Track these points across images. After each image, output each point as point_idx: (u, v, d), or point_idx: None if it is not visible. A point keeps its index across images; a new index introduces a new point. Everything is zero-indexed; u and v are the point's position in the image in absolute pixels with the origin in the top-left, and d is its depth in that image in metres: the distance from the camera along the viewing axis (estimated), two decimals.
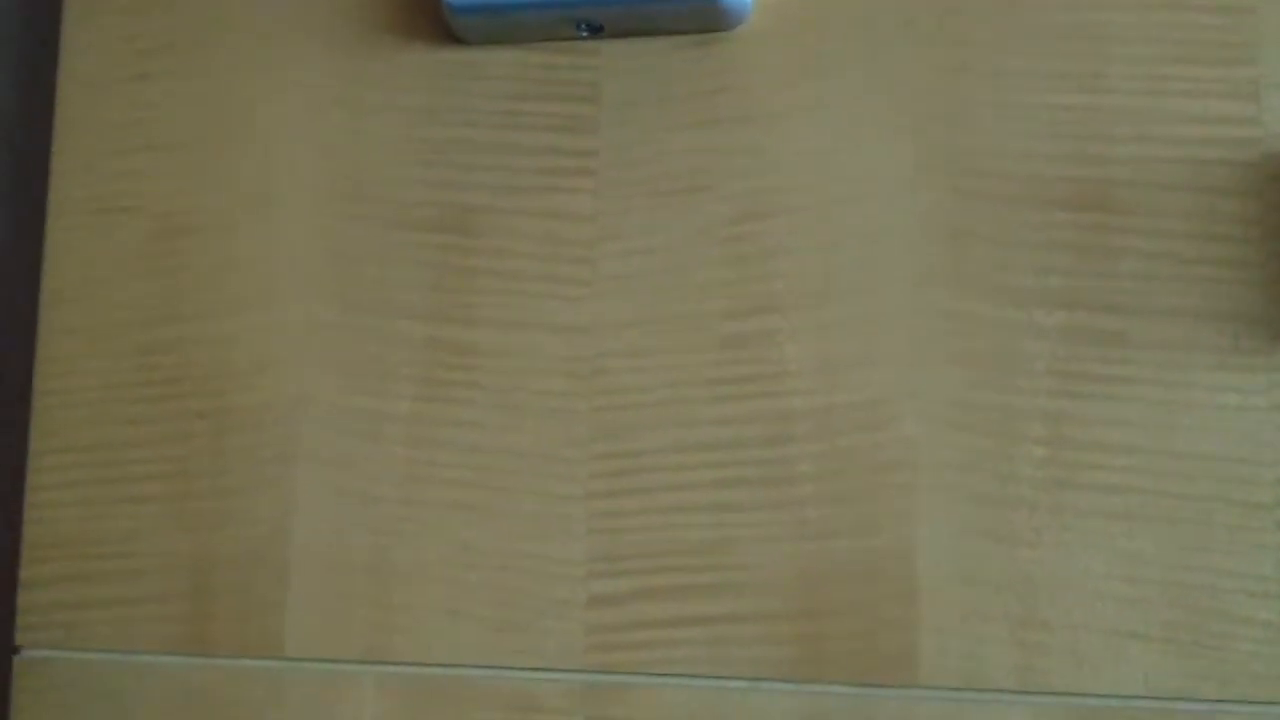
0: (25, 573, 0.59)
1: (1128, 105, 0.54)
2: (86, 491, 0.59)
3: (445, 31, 0.58)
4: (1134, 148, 0.53)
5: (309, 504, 0.57)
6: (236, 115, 0.60)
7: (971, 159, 0.54)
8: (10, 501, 0.64)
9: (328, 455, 0.57)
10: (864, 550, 0.53)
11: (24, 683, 0.58)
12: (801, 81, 0.56)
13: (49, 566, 0.59)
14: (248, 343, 0.59)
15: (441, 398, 0.57)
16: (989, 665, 0.52)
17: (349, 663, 0.56)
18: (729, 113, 0.56)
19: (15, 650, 0.59)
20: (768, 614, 0.53)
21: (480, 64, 0.59)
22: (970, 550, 0.52)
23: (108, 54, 0.62)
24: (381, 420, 0.57)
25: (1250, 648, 0.50)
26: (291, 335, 0.58)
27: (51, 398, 0.60)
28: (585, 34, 0.57)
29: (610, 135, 0.57)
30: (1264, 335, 0.52)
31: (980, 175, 0.54)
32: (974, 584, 0.52)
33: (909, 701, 0.52)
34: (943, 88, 0.55)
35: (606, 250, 0.57)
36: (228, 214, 0.60)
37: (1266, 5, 0.53)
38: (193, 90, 0.61)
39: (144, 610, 0.58)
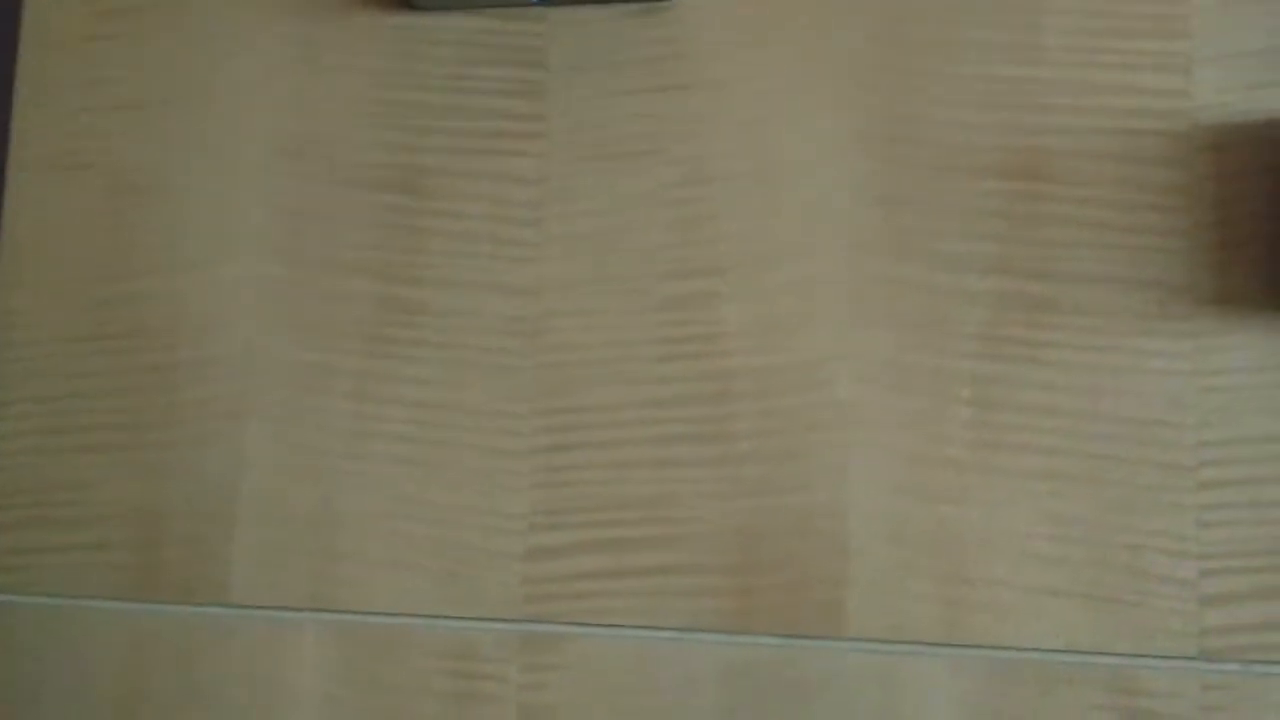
0: None
1: (1062, 77, 0.55)
2: (41, 441, 0.60)
3: None
4: (1067, 118, 0.55)
5: (257, 456, 0.58)
6: (193, 77, 0.61)
7: (907, 127, 0.56)
8: None
9: (276, 409, 0.58)
10: (797, 506, 0.54)
11: None
12: (743, 50, 0.57)
13: (4, 513, 0.60)
14: (200, 298, 0.60)
15: (389, 354, 0.58)
16: (914, 619, 0.53)
17: (293, 610, 0.57)
18: (674, 80, 0.58)
19: None
20: (702, 567, 0.55)
21: (431, 29, 0.60)
22: (899, 508, 0.54)
23: (68, 15, 0.63)
24: (329, 375, 0.58)
25: (1168, 605, 0.52)
26: (243, 291, 0.59)
27: (8, 350, 0.61)
28: (534, 1, 0.58)
29: (557, 101, 0.58)
30: (1188, 302, 0.53)
31: (916, 143, 0.55)
32: (902, 540, 0.53)
33: (836, 653, 0.53)
34: (880, 58, 0.56)
35: (552, 212, 0.58)
36: (183, 172, 0.61)
37: None
38: (151, 52, 0.62)
39: (95, 557, 0.59)
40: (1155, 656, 0.51)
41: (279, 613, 0.57)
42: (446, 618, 0.56)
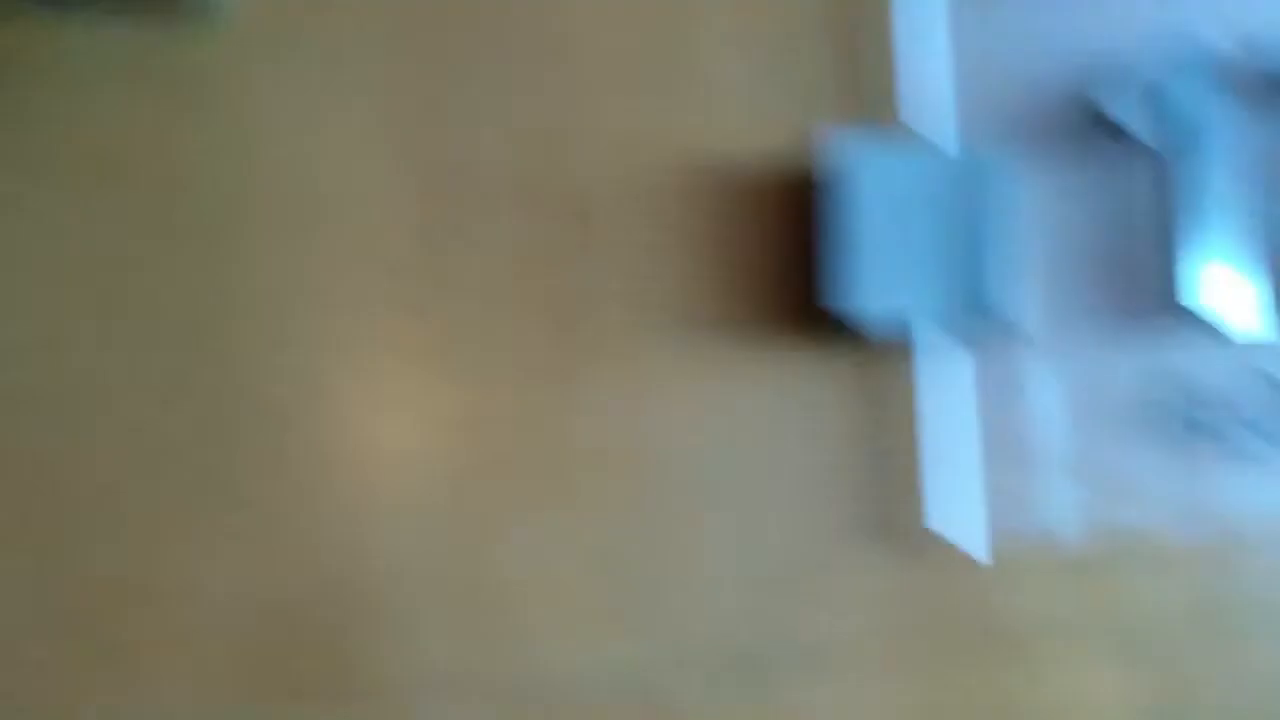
0: None
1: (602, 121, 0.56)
2: None
3: None
4: (609, 161, 0.55)
5: None
6: None
7: (453, 165, 0.55)
8: None
9: None
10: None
11: None
12: (280, 85, 0.54)
13: None
14: None
15: None
16: None
17: None
18: (200, 110, 0.54)
19: None
20: None
21: None
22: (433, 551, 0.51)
23: None
24: None
25: None
26: None
27: None
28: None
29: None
30: (714, 335, 0.54)
31: (462, 181, 0.54)
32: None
33: None
34: (423, 94, 0.55)
35: None
36: None
37: None
38: None
39: None
40: None
41: None
42: None
